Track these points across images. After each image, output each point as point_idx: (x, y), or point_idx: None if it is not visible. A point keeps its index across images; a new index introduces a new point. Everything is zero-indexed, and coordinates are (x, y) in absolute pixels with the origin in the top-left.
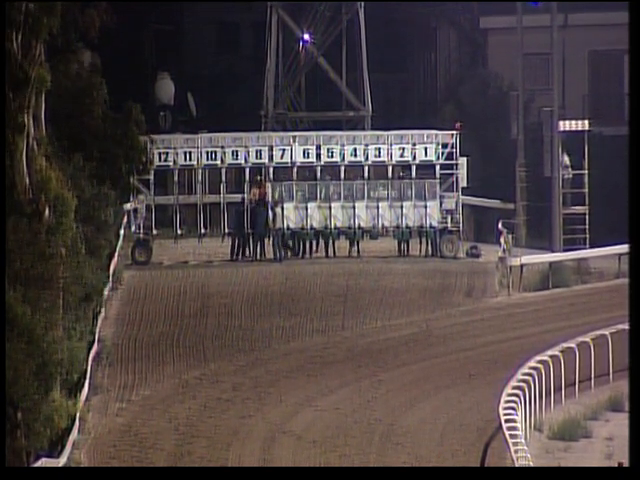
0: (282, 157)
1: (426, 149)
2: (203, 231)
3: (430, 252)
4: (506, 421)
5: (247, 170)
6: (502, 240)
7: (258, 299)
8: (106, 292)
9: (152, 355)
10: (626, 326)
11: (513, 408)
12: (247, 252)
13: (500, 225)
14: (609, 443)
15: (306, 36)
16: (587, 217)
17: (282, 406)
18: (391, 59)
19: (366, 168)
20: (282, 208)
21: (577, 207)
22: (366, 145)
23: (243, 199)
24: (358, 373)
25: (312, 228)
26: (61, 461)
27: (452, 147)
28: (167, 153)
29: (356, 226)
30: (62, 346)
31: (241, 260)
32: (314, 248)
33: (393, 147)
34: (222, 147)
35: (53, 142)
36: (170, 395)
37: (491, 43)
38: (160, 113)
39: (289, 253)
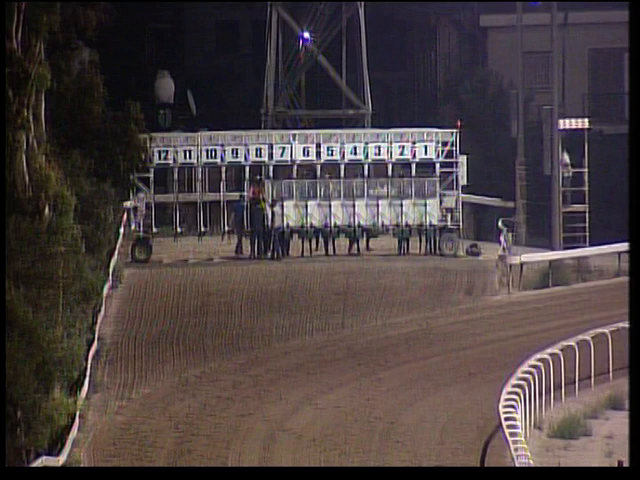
0: (282, 155)
1: (426, 147)
2: (203, 229)
3: (430, 250)
4: (506, 419)
5: (247, 168)
6: (502, 238)
7: (258, 297)
8: (106, 290)
9: (152, 353)
10: (626, 324)
11: (513, 406)
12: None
13: (500, 223)
14: (609, 441)
15: (306, 34)
16: (587, 215)
17: (282, 404)
18: (391, 57)
19: (366, 166)
20: (282, 206)
21: (577, 205)
22: (366, 143)
23: (241, 196)
24: (358, 371)
25: (312, 226)
26: (61, 459)
27: (452, 145)
28: (167, 151)
29: (356, 224)
30: (62, 344)
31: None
32: (314, 246)
33: (393, 145)
34: (222, 145)
35: (53, 140)
36: (170, 393)
37: (491, 41)
38: (160, 111)
39: (288, 251)
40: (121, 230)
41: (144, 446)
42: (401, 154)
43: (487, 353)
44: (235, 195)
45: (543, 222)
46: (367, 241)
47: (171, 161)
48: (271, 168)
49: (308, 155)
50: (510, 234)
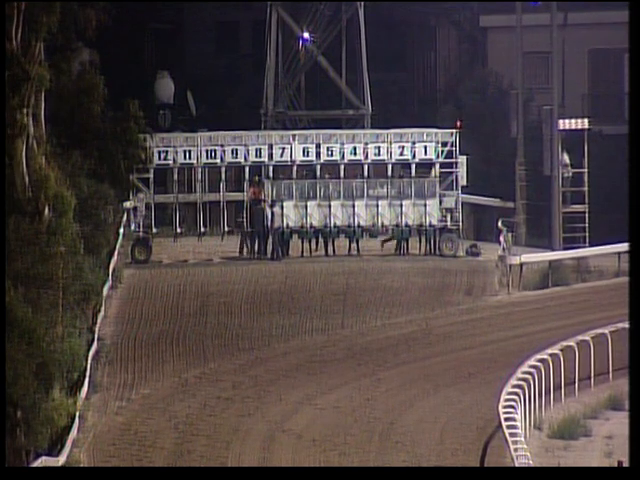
0: (282, 156)
1: (426, 147)
2: (203, 230)
3: (430, 251)
4: (506, 420)
5: (247, 169)
6: (502, 239)
7: (258, 298)
8: (106, 291)
9: (152, 354)
10: (626, 325)
11: (513, 407)
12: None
13: (500, 224)
14: (609, 442)
15: (306, 35)
16: (587, 215)
17: (282, 404)
18: (391, 58)
19: (366, 167)
20: (282, 207)
21: (577, 206)
22: (366, 144)
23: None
24: (358, 372)
25: (312, 227)
26: (61, 460)
27: (452, 145)
28: (167, 152)
29: (356, 225)
30: (62, 345)
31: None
32: (314, 247)
33: (393, 146)
34: (222, 146)
35: (52, 141)
36: (170, 394)
37: (491, 42)
38: (160, 112)
39: (288, 251)
40: (121, 230)
41: (144, 447)
42: (401, 154)
43: (487, 353)
44: (235, 195)
45: (543, 222)
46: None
47: (171, 161)
48: (271, 168)
49: (308, 155)
50: (510, 234)
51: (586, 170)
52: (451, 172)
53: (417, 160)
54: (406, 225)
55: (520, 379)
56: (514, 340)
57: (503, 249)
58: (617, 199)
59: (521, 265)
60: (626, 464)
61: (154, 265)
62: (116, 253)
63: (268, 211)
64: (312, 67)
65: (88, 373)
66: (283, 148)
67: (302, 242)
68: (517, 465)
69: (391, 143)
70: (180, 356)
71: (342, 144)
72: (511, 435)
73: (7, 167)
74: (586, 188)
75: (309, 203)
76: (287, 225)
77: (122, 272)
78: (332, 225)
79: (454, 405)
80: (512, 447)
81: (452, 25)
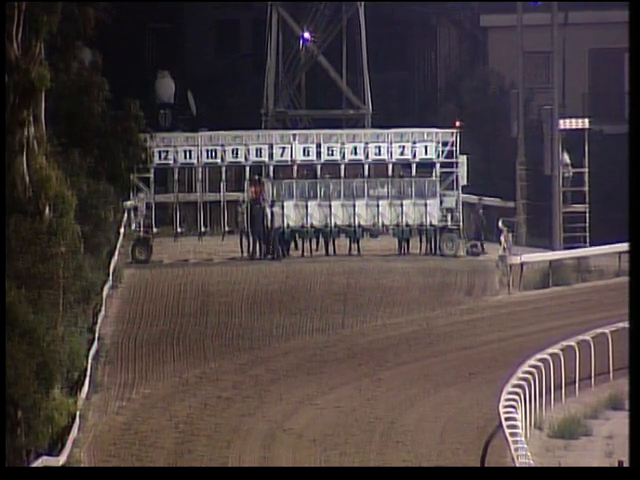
0: (282, 155)
1: (426, 147)
2: (203, 229)
3: (430, 250)
4: (506, 419)
5: (247, 168)
6: (502, 238)
7: (258, 297)
8: (106, 290)
9: (152, 353)
10: (626, 324)
11: (513, 406)
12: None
13: (500, 223)
14: (609, 441)
15: (306, 34)
16: (587, 215)
17: (282, 404)
18: (391, 57)
19: (366, 166)
20: (282, 206)
21: (577, 205)
22: (366, 143)
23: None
24: (358, 371)
25: (312, 226)
26: (61, 459)
27: (452, 145)
28: (167, 151)
29: (356, 224)
30: (62, 345)
31: (256, 258)
32: (314, 246)
33: (393, 145)
34: (222, 145)
35: (53, 140)
36: (170, 393)
37: (491, 41)
38: (160, 111)
39: (289, 251)
40: (121, 230)
41: (144, 446)
42: (401, 154)
43: (487, 353)
44: (235, 195)
45: (543, 222)
46: (357, 244)
47: (171, 161)
48: (271, 168)
49: (308, 155)
50: (510, 234)
51: (586, 170)
52: (451, 172)
53: (417, 160)
54: (407, 225)
55: (521, 379)
56: (515, 340)
57: (504, 249)
58: (617, 199)
59: (521, 265)
60: (626, 464)
61: (154, 265)
62: (117, 253)
63: (268, 211)
64: (312, 67)
65: (89, 373)
66: (283, 148)
67: (302, 242)
68: (517, 465)
69: (391, 143)
70: (180, 356)
71: (342, 144)
72: (512, 435)
73: (7, 167)
74: (586, 188)
75: (310, 203)
76: (287, 225)
77: (122, 272)
78: (332, 225)
79: (455, 404)
80: (512, 447)
81: (453, 24)
